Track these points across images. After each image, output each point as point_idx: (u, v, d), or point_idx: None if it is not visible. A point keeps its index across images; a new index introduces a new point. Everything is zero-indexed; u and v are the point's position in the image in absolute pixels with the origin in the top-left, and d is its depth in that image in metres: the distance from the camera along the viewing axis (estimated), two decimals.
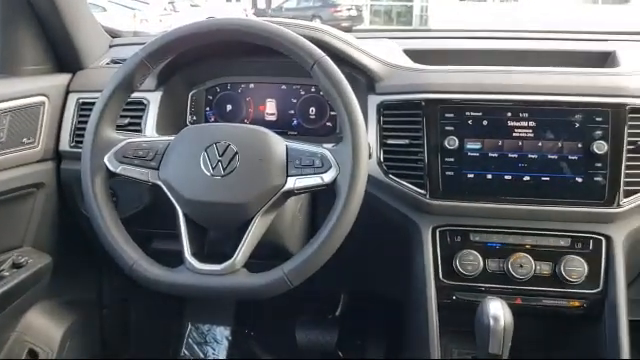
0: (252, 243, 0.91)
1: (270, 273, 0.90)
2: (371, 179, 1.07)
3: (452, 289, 1.12)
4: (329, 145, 0.95)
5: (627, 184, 1.05)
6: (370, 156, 0.95)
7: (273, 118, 1.29)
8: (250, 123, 1.26)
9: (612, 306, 1.07)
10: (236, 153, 0.92)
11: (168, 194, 0.94)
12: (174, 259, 0.94)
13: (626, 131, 1.05)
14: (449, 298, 1.12)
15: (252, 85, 1.29)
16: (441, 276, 1.11)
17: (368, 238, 1.11)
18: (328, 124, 1.27)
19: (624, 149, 1.04)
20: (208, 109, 1.31)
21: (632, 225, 1.08)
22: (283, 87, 1.28)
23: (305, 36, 0.95)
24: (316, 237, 0.89)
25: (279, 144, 0.94)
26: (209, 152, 0.93)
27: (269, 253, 0.98)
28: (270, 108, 1.29)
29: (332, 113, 1.25)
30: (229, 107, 1.30)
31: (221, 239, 0.97)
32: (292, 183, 0.91)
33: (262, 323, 1.94)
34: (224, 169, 0.91)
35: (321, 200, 1.18)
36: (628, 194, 1.05)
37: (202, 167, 0.92)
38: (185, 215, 0.93)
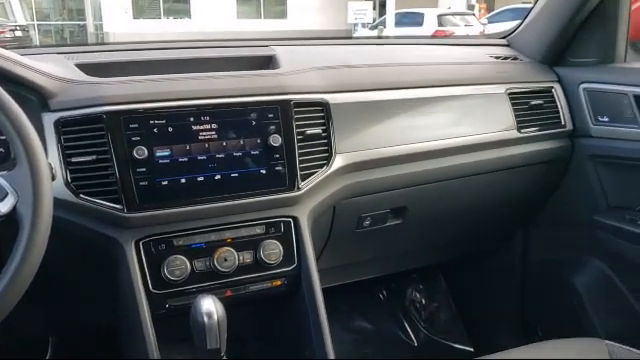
0: None
1: None
2: (60, 202, 0.99)
3: (164, 297, 1.11)
4: (3, 172, 0.85)
5: (302, 169, 1.19)
6: (54, 177, 0.89)
7: None
8: None
9: (307, 278, 1.20)
10: None
11: None
12: None
13: (294, 123, 1.19)
14: (163, 308, 1.12)
15: None
16: (151, 287, 1.10)
17: (67, 267, 1.03)
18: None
19: (295, 139, 1.18)
20: None
21: (311, 204, 1.23)
22: None
23: None
24: (1, 277, 0.79)
25: None
26: None
27: None
28: None
29: (2, 137, 1.12)
30: None
31: None
32: None
33: None
34: None
35: (4, 234, 1.05)
36: (304, 178, 1.20)
37: None
38: None
